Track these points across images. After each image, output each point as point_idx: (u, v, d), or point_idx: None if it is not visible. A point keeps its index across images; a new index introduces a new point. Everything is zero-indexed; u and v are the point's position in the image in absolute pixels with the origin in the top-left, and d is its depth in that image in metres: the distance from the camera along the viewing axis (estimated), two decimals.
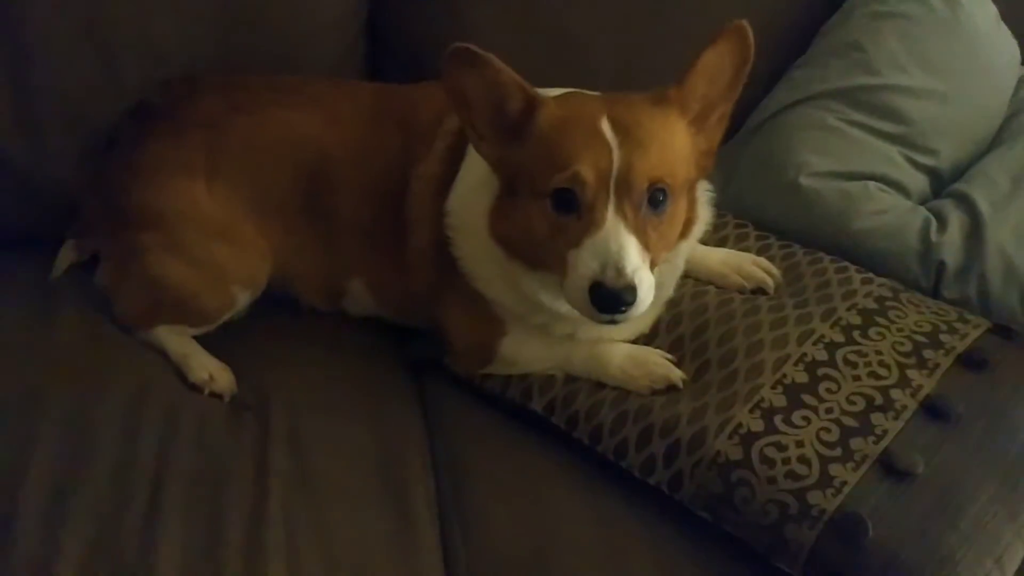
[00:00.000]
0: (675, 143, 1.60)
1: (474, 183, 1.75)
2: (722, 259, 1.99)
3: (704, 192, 1.80)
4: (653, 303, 1.60)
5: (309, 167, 1.87)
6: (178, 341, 1.92)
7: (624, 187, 1.52)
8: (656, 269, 1.59)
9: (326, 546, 1.60)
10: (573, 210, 1.54)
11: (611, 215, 1.52)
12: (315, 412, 1.83)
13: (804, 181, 2.13)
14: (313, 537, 1.60)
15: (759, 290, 1.95)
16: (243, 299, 1.93)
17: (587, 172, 1.51)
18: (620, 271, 1.48)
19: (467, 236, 1.77)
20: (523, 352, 1.83)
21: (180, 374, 1.89)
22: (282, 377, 1.91)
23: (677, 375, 1.75)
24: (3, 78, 2.00)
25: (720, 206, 2.17)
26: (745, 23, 1.58)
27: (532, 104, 1.60)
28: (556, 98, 1.64)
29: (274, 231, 1.90)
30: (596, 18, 2.23)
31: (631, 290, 1.49)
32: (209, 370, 1.88)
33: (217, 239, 1.86)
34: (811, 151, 2.16)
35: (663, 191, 1.56)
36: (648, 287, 1.52)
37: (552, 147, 1.56)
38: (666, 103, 1.61)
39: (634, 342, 1.84)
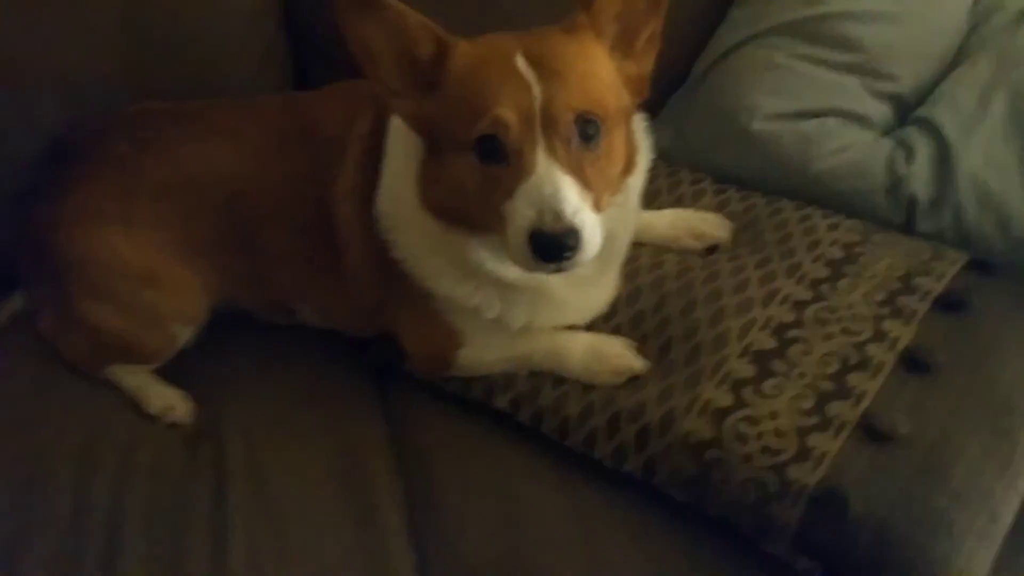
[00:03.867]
0: (597, 70, 1.48)
1: (398, 171, 1.64)
2: (670, 221, 1.90)
3: (641, 121, 1.66)
4: (607, 255, 1.50)
5: (225, 203, 1.78)
6: (131, 376, 1.88)
7: (550, 124, 1.39)
8: (604, 214, 1.47)
9: (292, 573, 1.57)
10: (501, 158, 1.41)
11: (541, 156, 1.39)
12: (273, 432, 1.80)
13: (757, 125, 2.02)
14: (279, 565, 1.57)
15: (715, 247, 1.86)
16: (185, 335, 1.87)
17: (508, 114, 1.39)
18: (558, 214, 1.36)
19: (405, 231, 1.66)
20: (482, 358, 1.75)
21: (136, 408, 1.85)
22: (238, 398, 1.87)
23: (639, 365, 1.67)
24: None
25: (672, 160, 2.08)
26: None
27: (443, 48, 1.47)
28: (468, 40, 1.51)
29: (205, 269, 1.83)
30: None
31: (572, 233, 1.36)
32: (166, 399, 1.85)
33: (144, 284, 1.79)
34: (761, 92, 2.04)
35: (593, 122, 1.43)
36: (592, 228, 1.39)
37: (468, 92, 1.44)
38: (578, 29, 1.49)
39: (591, 325, 1.75)
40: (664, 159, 2.02)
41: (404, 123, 1.55)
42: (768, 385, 1.58)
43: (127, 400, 1.86)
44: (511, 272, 1.58)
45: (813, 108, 2.02)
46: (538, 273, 1.46)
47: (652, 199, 1.90)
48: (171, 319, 1.84)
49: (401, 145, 1.63)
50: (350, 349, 1.96)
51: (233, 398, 1.86)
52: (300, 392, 1.88)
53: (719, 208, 1.95)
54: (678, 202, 1.98)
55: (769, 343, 1.63)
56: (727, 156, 2.05)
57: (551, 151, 1.40)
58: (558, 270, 1.42)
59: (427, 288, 1.68)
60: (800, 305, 1.69)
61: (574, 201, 1.38)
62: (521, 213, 1.38)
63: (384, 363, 1.91)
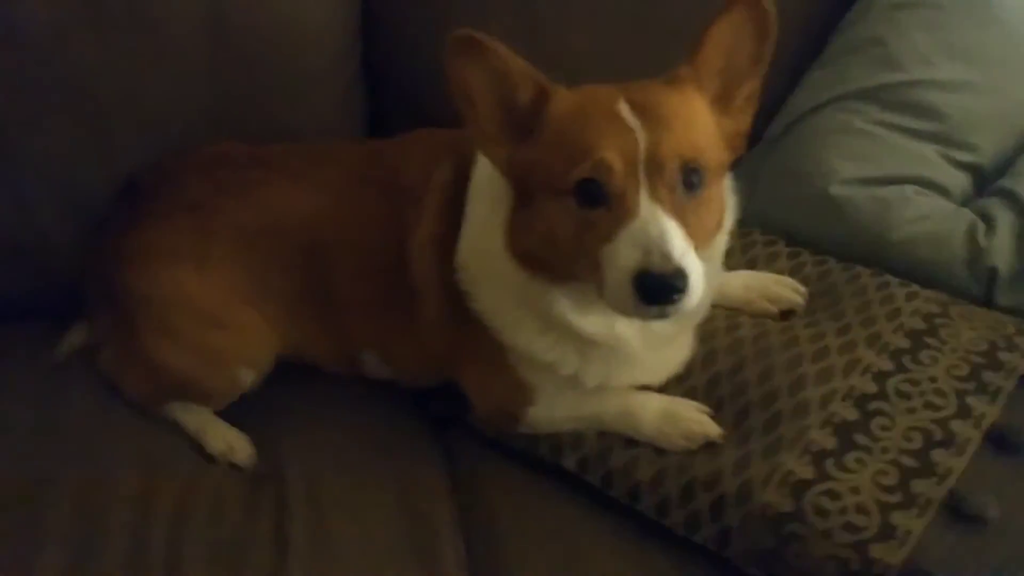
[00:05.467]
0: (700, 121, 1.47)
1: (481, 221, 1.63)
2: (745, 283, 1.87)
3: (729, 181, 1.64)
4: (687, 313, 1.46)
5: (301, 248, 1.78)
6: (192, 415, 1.86)
7: (655, 169, 1.38)
8: None
9: None
10: (601, 202, 1.39)
11: (645, 200, 1.37)
12: (335, 478, 1.77)
13: (835, 190, 1.99)
14: None
15: (790, 312, 1.83)
16: (249, 379, 1.85)
17: (612, 157, 1.37)
18: (666, 255, 1.33)
19: (486, 283, 1.64)
20: (551, 416, 1.72)
21: (197, 447, 1.84)
22: (300, 442, 1.85)
23: (715, 431, 1.63)
24: None
25: (744, 222, 2.05)
26: None
27: (543, 94, 1.47)
28: (568, 88, 1.51)
29: (275, 313, 1.81)
30: (601, 40, 2.11)
31: (680, 274, 1.33)
32: (227, 440, 1.83)
33: (212, 325, 1.79)
34: (839, 157, 2.01)
35: (697, 171, 1.42)
36: (698, 273, 1.36)
37: (569, 137, 1.43)
38: (680, 82, 1.48)
39: (665, 387, 1.72)
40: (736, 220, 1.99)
41: (496, 169, 1.54)
42: (850, 458, 1.53)
43: (187, 439, 1.84)
44: (591, 325, 1.56)
45: (892, 175, 1.99)
46: (640, 317, 1.44)
47: (724, 260, 1.87)
48: (237, 362, 1.82)
49: (485, 194, 1.62)
50: (413, 400, 1.93)
51: (294, 442, 1.84)
52: (362, 439, 1.85)
53: (793, 272, 1.92)
54: (751, 264, 1.96)
55: (851, 414, 1.59)
56: (802, 219, 2.02)
57: (655, 196, 1.38)
58: (662, 315, 1.38)
59: (503, 341, 1.65)
60: (882, 376, 1.65)
61: (681, 243, 1.36)
62: (625, 254, 1.35)
63: (448, 414, 1.88)
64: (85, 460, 1.75)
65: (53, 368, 1.93)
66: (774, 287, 1.86)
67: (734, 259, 1.95)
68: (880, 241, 1.95)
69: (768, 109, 2.17)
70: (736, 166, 1.58)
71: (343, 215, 1.76)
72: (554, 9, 2.10)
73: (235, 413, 1.87)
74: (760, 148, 2.16)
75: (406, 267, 1.72)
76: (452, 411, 1.85)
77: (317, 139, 2.01)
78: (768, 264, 1.95)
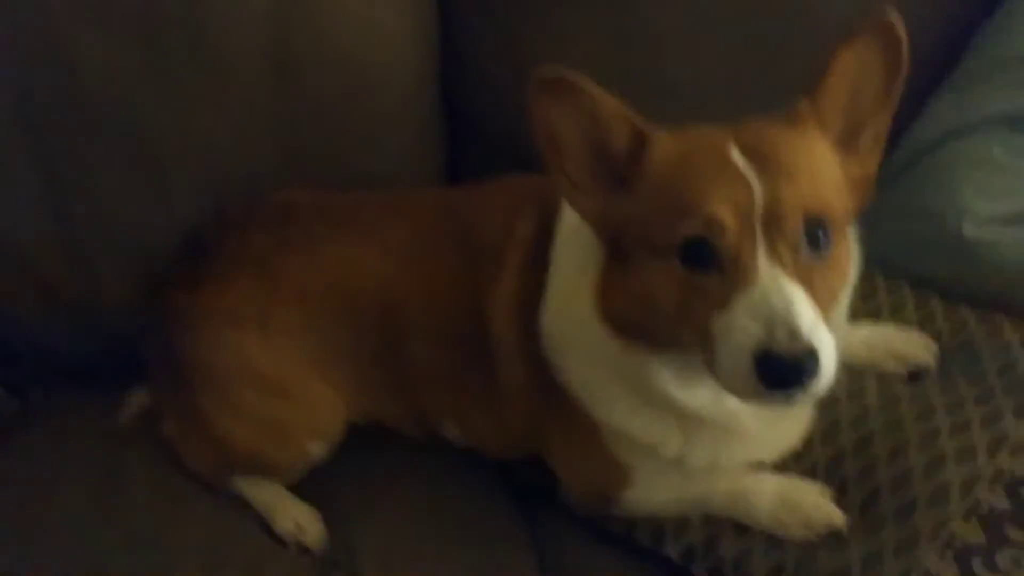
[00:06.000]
0: (824, 167, 1.28)
1: (568, 281, 1.45)
2: (866, 339, 1.67)
3: (852, 228, 1.44)
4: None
5: (373, 311, 1.63)
6: (260, 489, 1.74)
7: (774, 226, 1.19)
8: None
9: None
10: (711, 264, 1.21)
11: (764, 263, 1.18)
12: (411, 562, 1.63)
13: (970, 231, 1.75)
14: None
15: (918, 372, 1.62)
16: (319, 451, 1.71)
17: (724, 213, 1.19)
18: (793, 331, 1.13)
19: (573, 351, 1.46)
20: (651, 499, 1.55)
21: (264, 525, 1.71)
22: (375, 522, 1.70)
23: (839, 518, 1.43)
24: (47, 206, 1.81)
25: (864, 265, 1.84)
26: (891, 11, 1.25)
27: (641, 140, 1.29)
28: (670, 132, 1.32)
29: (344, 381, 1.67)
30: (702, 71, 1.92)
31: (811, 354, 1.13)
32: (297, 519, 1.70)
33: (277, 395, 1.65)
34: (977, 193, 1.77)
35: (823, 226, 1.22)
36: (831, 350, 1.17)
37: (672, 189, 1.25)
38: (801, 121, 1.29)
39: (781, 465, 1.53)
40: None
41: (586, 224, 1.35)
42: (1003, 557, 1.34)
43: (255, 516, 1.72)
44: (697, 400, 1.37)
45: None
46: (761, 403, 1.24)
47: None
48: (304, 435, 1.69)
49: (572, 252, 1.44)
50: (498, 470, 1.78)
51: (369, 520, 1.70)
52: (442, 516, 1.70)
53: (922, 324, 1.71)
54: (874, 315, 1.75)
55: (1001, 502, 1.39)
56: (931, 264, 1.80)
57: (776, 257, 1.19)
58: (788, 400, 1.18)
59: (595, 418, 1.47)
60: None
61: (809, 316, 1.15)
62: (742, 329, 1.16)
63: (535, 490, 1.72)
64: (142, 548, 1.61)
65: (113, 439, 1.81)
66: (900, 344, 1.65)
67: (853, 308, 1.74)
68: (1022, 288, 1.71)
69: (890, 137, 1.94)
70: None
71: (416, 275, 1.62)
72: (647, 38, 1.91)
73: (307, 485, 1.75)
74: (881, 181, 1.93)
75: (483, 332, 1.56)
76: (540, 482, 1.68)
77: (391, 186, 1.87)
78: (893, 315, 1.74)
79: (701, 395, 1.37)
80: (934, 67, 1.95)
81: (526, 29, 1.92)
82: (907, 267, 1.83)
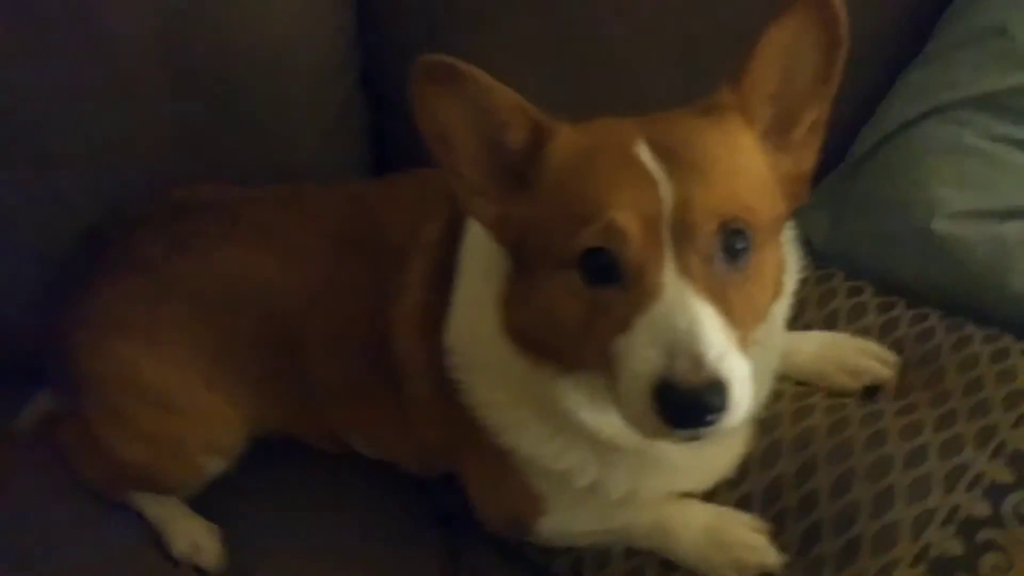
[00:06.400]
0: (746, 165, 1.13)
1: (474, 293, 1.30)
2: (817, 351, 1.51)
3: (788, 232, 1.29)
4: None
5: (270, 319, 1.50)
6: (156, 506, 1.63)
7: (684, 233, 1.05)
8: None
9: None
10: (614, 278, 1.07)
11: (671, 277, 1.04)
12: None
13: (940, 225, 1.59)
14: None
15: (876, 388, 1.46)
16: (215, 466, 1.60)
17: (626, 219, 1.05)
18: (697, 360, 0.99)
19: (479, 372, 1.32)
20: (568, 530, 1.42)
21: (160, 541, 1.61)
22: (277, 538, 1.60)
23: (773, 559, 1.30)
24: None
25: (824, 260, 1.68)
26: None
27: (541, 134, 1.15)
28: (574, 125, 1.17)
29: (242, 394, 1.55)
30: (642, 41, 1.75)
31: (717, 388, 0.99)
32: (193, 539, 1.60)
33: (167, 409, 1.54)
34: (944, 183, 1.61)
35: (742, 234, 1.08)
36: (743, 380, 1.02)
37: (572, 192, 1.11)
38: (722, 112, 1.14)
39: (713, 491, 1.38)
40: (814, 257, 1.62)
41: (484, 230, 1.20)
42: None
43: (151, 531, 1.61)
44: (611, 427, 1.21)
45: (1012, 206, 1.58)
46: (660, 440, 1.09)
47: (796, 314, 1.49)
48: (198, 450, 1.57)
49: (479, 259, 1.29)
50: (413, 484, 1.65)
51: (273, 541, 1.59)
52: (352, 537, 1.59)
53: (883, 332, 1.55)
54: (830, 320, 1.58)
55: (954, 547, 1.23)
56: (897, 261, 1.64)
57: (685, 271, 1.05)
58: (693, 438, 1.05)
59: (503, 444, 1.33)
60: (997, 492, 1.27)
61: (718, 340, 1.01)
62: (642, 355, 1.02)
63: (450, 510, 1.59)
64: (24, 565, 1.51)
65: (6, 444, 1.70)
66: (855, 356, 1.49)
67: (809, 313, 1.59)
68: (996, 291, 1.55)
69: (851, 121, 1.77)
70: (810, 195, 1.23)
71: (315, 280, 1.48)
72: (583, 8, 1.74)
73: (210, 497, 1.63)
74: (842, 171, 1.76)
75: (387, 345, 1.42)
76: (456, 504, 1.54)
77: (311, 179, 1.71)
78: (851, 321, 1.58)
79: (617, 420, 1.20)
80: (898, 45, 1.79)
81: (446, 12, 1.77)
82: (871, 266, 1.67)
